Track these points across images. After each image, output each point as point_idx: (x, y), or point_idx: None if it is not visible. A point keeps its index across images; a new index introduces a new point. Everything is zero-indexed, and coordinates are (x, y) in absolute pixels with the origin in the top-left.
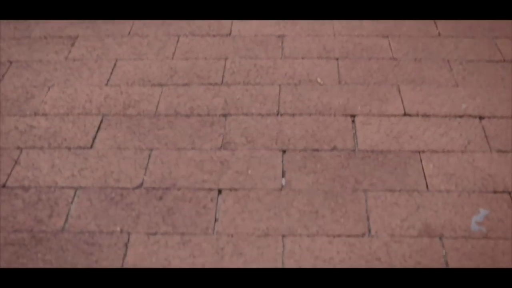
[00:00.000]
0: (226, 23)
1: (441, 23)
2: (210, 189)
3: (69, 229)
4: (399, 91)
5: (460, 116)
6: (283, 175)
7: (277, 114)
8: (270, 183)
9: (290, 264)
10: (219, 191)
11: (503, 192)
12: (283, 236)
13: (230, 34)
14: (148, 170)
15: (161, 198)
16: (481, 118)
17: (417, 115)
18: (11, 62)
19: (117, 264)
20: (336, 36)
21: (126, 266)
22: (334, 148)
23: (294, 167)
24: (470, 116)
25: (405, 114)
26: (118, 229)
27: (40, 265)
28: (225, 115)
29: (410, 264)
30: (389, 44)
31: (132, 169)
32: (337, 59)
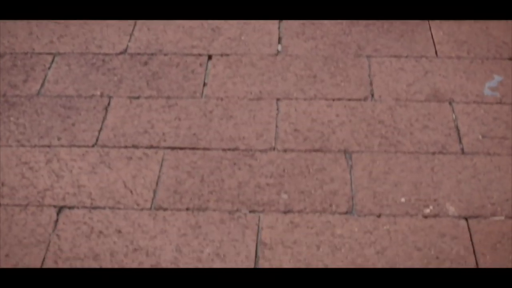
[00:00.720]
0: None
1: None
2: (200, 55)
3: (45, 93)
4: None
5: None
6: (279, 41)
7: None
8: (265, 49)
9: (284, 126)
10: (209, 57)
11: None
12: (278, 99)
13: None
14: (133, 37)
15: (146, 63)
16: None
17: None
18: None
19: (95, 128)
20: None
21: (105, 129)
22: None
23: (291, 34)
24: None
25: None
26: (98, 93)
27: (12, 128)
28: None
29: (416, 127)
30: None
31: (116, 36)
32: None
